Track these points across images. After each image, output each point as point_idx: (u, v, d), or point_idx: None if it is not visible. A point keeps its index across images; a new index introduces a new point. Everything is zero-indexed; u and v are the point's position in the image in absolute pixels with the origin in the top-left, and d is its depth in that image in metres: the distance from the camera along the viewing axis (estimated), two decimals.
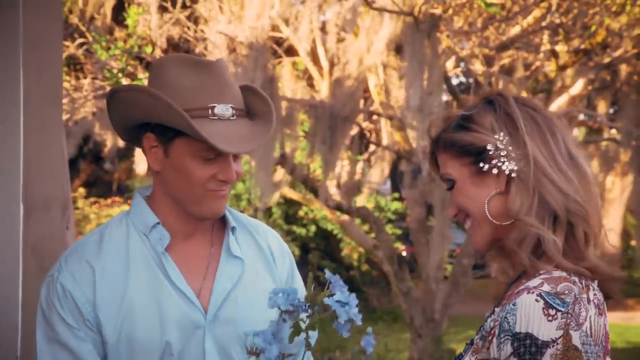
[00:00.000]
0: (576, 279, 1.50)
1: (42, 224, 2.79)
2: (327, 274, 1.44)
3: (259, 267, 1.95)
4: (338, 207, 9.46)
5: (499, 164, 1.55)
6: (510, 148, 1.56)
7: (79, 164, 20.06)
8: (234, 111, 1.80)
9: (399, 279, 9.13)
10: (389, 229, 13.25)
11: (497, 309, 1.56)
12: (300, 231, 13.35)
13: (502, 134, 1.56)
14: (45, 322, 1.82)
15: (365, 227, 11.58)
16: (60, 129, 3.04)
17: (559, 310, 1.44)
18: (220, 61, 1.86)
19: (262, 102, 1.89)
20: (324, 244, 13.83)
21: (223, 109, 1.79)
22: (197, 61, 1.83)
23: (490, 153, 1.56)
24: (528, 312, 1.44)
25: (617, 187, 10.13)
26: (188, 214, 1.86)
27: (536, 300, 1.44)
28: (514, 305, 1.46)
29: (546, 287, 1.46)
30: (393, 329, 13.12)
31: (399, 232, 14.32)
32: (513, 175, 1.55)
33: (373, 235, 10.12)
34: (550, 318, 1.43)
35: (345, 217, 9.74)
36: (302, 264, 13.35)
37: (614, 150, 10.16)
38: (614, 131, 10.31)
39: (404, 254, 15.35)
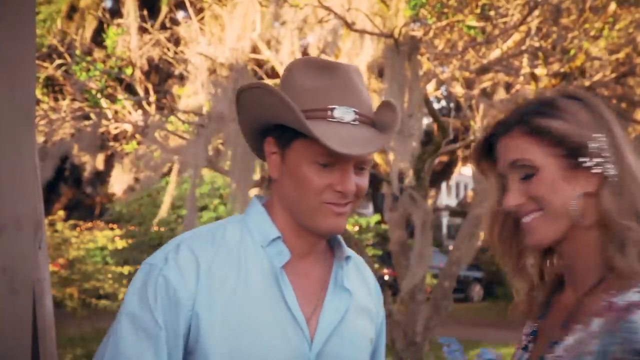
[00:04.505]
0: None
1: (14, 244, 2.74)
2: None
3: (363, 303, 1.84)
4: None
5: (604, 164, 1.50)
6: (610, 150, 1.50)
7: (60, 188, 19.97)
8: (356, 115, 1.69)
9: None
10: (370, 250, 13.19)
11: (578, 326, 1.50)
12: None
13: (602, 134, 1.51)
14: (134, 307, 1.68)
15: None
16: (32, 148, 2.99)
17: None
18: (349, 66, 1.76)
19: (393, 113, 1.76)
20: None
21: (343, 112, 1.68)
22: (324, 64, 1.73)
23: (593, 151, 1.50)
24: None
25: None
26: (304, 228, 1.73)
27: None
28: (630, 323, 1.42)
29: None
30: None
31: (379, 253, 14.24)
32: (611, 178, 1.50)
33: None
34: None
35: None
36: None
37: None
38: None
39: (387, 277, 15.29)
